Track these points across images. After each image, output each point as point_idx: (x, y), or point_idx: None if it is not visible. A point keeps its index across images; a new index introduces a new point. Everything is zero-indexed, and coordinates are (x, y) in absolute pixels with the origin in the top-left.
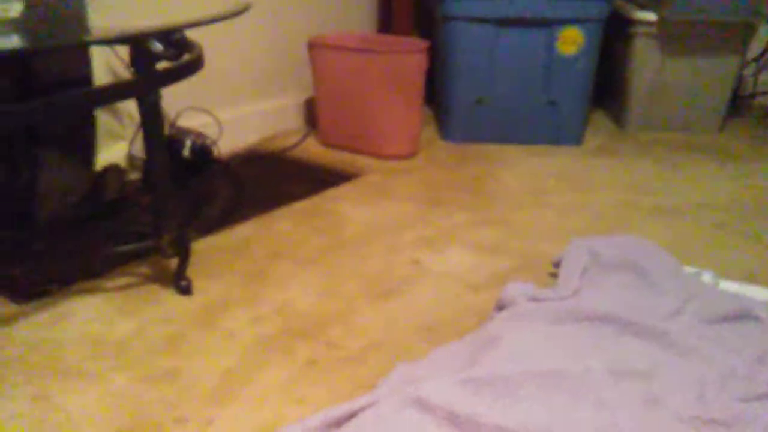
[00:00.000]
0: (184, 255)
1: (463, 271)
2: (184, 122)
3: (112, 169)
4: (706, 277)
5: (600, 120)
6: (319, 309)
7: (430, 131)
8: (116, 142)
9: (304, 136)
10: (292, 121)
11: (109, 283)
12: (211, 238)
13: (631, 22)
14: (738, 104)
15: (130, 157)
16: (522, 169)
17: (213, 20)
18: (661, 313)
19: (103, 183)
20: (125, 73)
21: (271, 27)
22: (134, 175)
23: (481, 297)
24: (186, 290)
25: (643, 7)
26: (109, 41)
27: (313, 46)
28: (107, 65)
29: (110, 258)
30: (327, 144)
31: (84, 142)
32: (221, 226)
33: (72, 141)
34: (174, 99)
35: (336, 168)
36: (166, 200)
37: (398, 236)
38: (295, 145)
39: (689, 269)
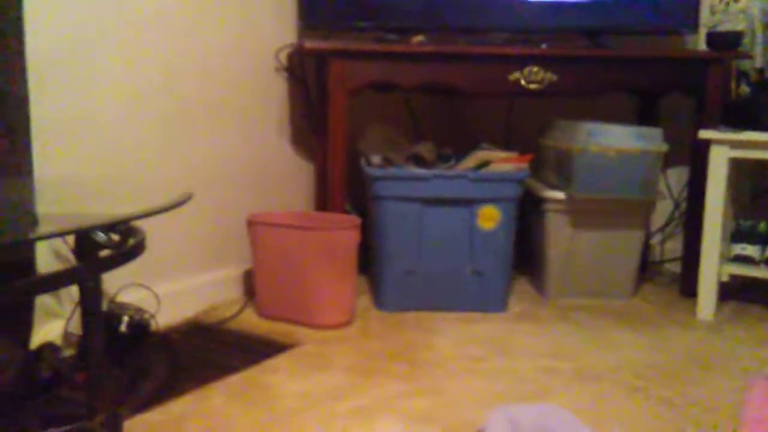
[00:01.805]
0: None
1: None
2: (124, 297)
3: (48, 348)
4: None
5: (523, 287)
6: None
7: (365, 301)
8: (53, 320)
9: (242, 308)
10: (232, 291)
11: None
12: (146, 415)
13: (543, 200)
14: (648, 270)
15: (67, 335)
16: (452, 337)
17: (158, 211)
18: None
19: (38, 362)
20: (70, 256)
21: (211, 204)
22: (69, 352)
23: None
24: None
25: (552, 186)
26: (54, 235)
27: (251, 223)
28: (52, 249)
29: None
30: (265, 315)
31: (20, 321)
32: (156, 403)
33: (8, 320)
34: (115, 275)
35: (272, 339)
36: (101, 381)
37: (331, 408)
38: (233, 317)
39: None
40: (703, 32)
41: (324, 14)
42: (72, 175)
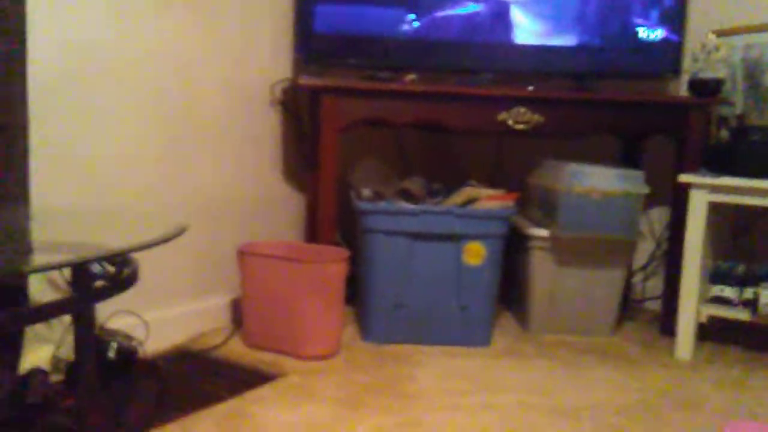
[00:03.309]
0: None
1: None
2: (113, 323)
3: (36, 373)
4: None
5: (507, 322)
6: None
7: (351, 332)
8: (42, 345)
9: (229, 336)
10: (220, 320)
11: None
12: None
13: (528, 237)
14: (630, 308)
15: (55, 359)
16: (437, 371)
17: (154, 244)
18: None
19: (26, 386)
20: (61, 281)
21: (201, 233)
22: (57, 377)
23: None
24: None
25: (538, 224)
26: (53, 267)
27: (242, 253)
28: (45, 276)
29: None
30: (251, 344)
31: (10, 346)
32: (142, 430)
33: None
34: (105, 302)
35: (258, 369)
36: (91, 408)
37: None
38: (220, 345)
39: None
40: (685, 78)
41: (319, 50)
42: (69, 204)
